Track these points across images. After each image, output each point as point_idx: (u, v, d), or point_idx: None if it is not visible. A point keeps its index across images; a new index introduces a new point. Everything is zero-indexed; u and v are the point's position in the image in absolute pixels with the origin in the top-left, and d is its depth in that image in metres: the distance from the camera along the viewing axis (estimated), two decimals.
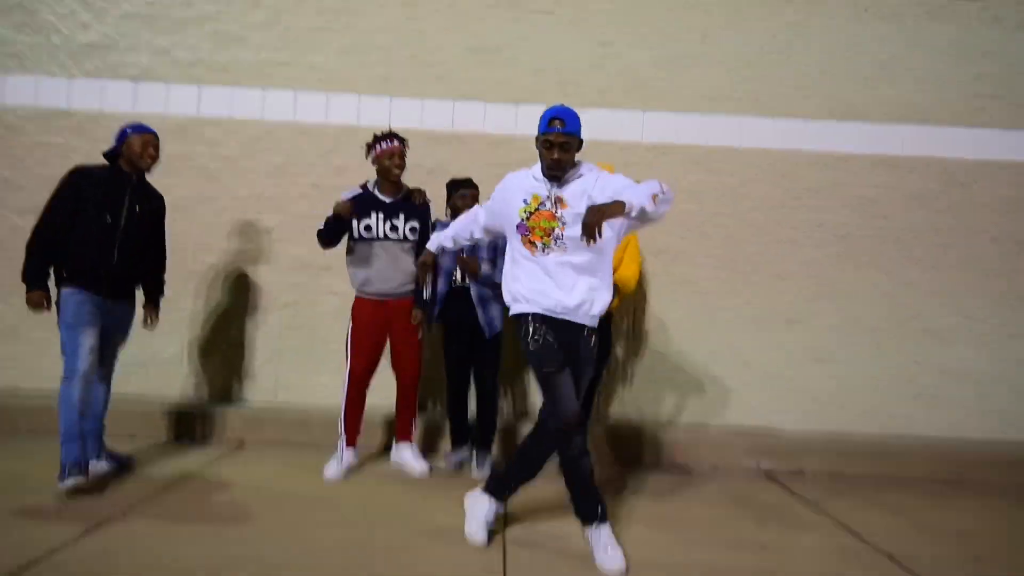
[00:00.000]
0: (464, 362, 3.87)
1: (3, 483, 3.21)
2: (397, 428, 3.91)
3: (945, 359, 4.62)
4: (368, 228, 3.70)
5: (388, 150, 3.71)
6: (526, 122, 4.71)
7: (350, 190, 3.80)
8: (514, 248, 2.81)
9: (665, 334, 4.64)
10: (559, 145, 2.68)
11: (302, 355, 4.64)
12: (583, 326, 2.75)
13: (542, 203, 2.72)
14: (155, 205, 3.51)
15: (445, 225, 3.58)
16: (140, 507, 3.00)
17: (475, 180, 4.62)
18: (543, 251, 2.71)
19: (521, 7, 4.74)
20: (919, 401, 4.62)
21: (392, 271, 3.72)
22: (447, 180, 3.99)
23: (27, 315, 4.49)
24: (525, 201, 2.74)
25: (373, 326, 3.74)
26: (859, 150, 4.70)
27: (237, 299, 4.65)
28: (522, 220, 2.73)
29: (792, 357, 4.64)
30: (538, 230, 2.70)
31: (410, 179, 3.99)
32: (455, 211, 3.77)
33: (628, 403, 4.62)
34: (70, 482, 3.04)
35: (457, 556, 2.66)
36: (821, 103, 4.71)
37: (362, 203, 3.72)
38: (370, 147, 3.76)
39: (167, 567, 2.42)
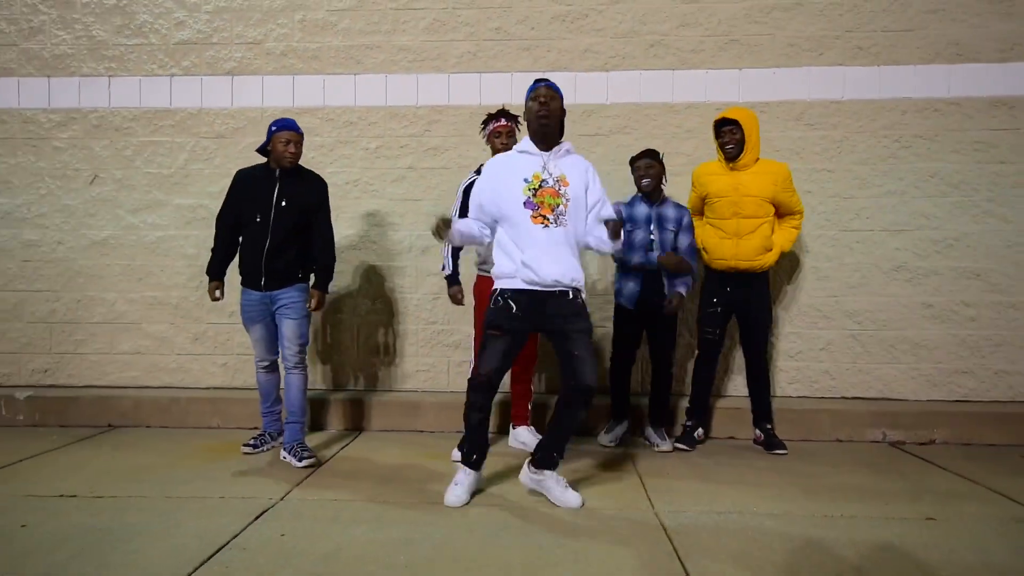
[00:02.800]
0: (636, 344, 3.69)
1: (134, 474, 3.13)
2: (513, 411, 3.71)
3: None
4: None
5: (497, 128, 3.52)
6: (616, 90, 4.38)
7: (468, 177, 3.62)
8: (516, 226, 2.74)
9: (774, 298, 4.29)
10: (546, 96, 2.77)
11: (407, 339, 4.47)
12: (567, 290, 2.77)
13: (544, 180, 2.75)
14: (307, 194, 3.42)
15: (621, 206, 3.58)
16: (297, 491, 2.88)
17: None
18: (555, 224, 2.73)
19: None
20: None
21: None
22: None
23: (148, 312, 4.51)
24: (526, 180, 2.75)
25: None
26: (971, 93, 4.21)
27: (342, 285, 4.49)
28: (528, 197, 2.74)
29: (910, 317, 4.24)
30: (545, 205, 2.73)
31: None
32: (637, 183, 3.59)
33: (740, 377, 4.30)
34: (245, 449, 3.49)
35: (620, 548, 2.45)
36: (928, 46, 4.23)
37: None
38: (484, 124, 3.59)
39: (344, 549, 2.26)
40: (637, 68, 4.37)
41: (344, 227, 4.51)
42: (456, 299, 3.62)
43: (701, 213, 3.73)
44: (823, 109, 4.28)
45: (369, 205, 4.50)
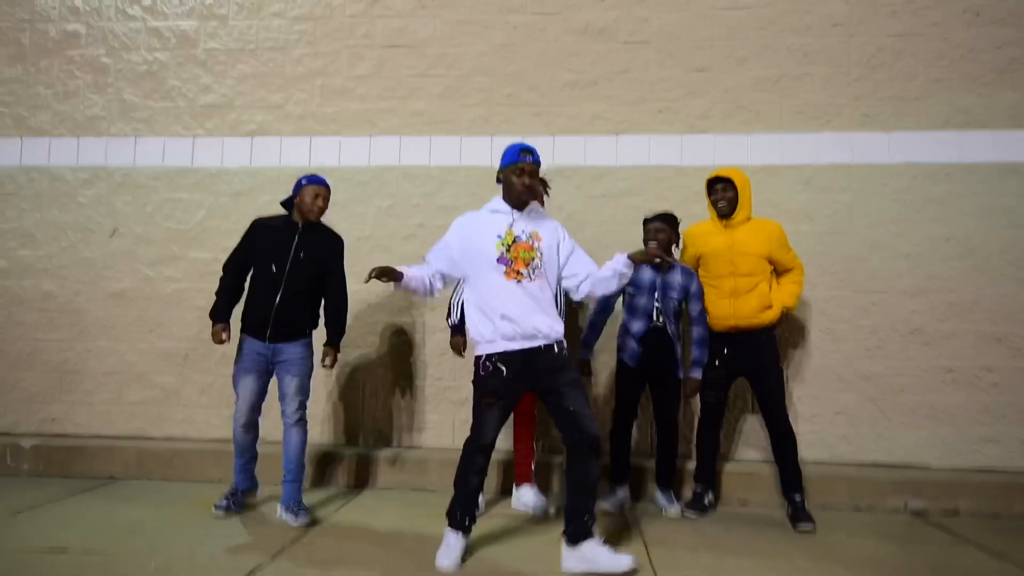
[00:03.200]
0: (637, 402, 3.59)
1: (129, 530, 3.06)
2: (517, 471, 3.61)
3: None
4: None
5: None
6: (626, 153, 4.44)
7: None
8: (489, 283, 2.73)
9: (787, 360, 4.19)
10: (530, 172, 2.78)
11: (413, 395, 4.41)
12: (552, 344, 2.75)
13: (517, 236, 2.76)
14: (325, 250, 3.43)
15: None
16: (287, 552, 2.78)
17: (578, 213, 4.38)
18: (530, 279, 2.72)
19: (615, 39, 4.49)
20: None
21: None
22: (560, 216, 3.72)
23: (158, 363, 4.53)
24: (499, 236, 2.76)
25: None
26: (984, 158, 4.19)
27: (349, 339, 4.47)
28: (502, 253, 2.74)
29: (930, 382, 4.10)
30: (519, 260, 2.73)
31: None
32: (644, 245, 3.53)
33: (751, 439, 4.17)
34: (217, 513, 3.30)
35: None
36: (937, 114, 4.25)
37: None
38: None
39: None
40: (646, 132, 4.43)
41: (354, 282, 4.52)
42: (457, 349, 3.60)
43: None
44: (832, 173, 4.28)
45: (380, 261, 4.45)
